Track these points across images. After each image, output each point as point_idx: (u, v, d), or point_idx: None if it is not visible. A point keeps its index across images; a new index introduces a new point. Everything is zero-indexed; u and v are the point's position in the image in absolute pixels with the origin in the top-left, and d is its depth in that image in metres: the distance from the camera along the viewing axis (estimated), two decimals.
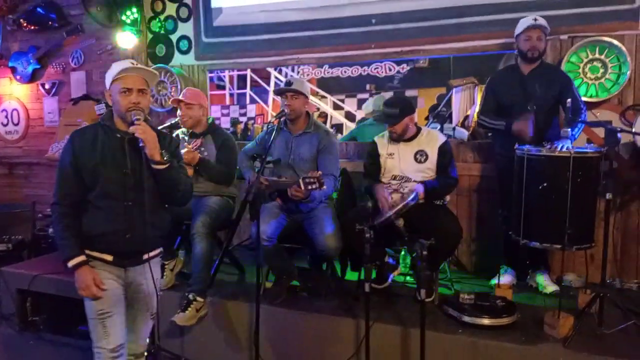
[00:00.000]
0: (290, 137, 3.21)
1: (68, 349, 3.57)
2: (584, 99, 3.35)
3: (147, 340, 2.46)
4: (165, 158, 2.14)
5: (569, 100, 2.83)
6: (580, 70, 3.46)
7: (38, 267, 3.90)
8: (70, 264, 2.12)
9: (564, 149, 2.72)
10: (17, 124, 5.60)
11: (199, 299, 3.05)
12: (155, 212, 2.24)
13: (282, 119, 3.12)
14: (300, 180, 2.79)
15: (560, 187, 2.67)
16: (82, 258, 2.13)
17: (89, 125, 2.34)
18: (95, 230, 2.16)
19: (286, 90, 3.12)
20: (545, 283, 3.28)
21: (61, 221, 2.16)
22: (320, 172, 2.82)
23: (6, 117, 5.64)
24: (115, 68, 2.16)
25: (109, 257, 2.20)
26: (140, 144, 2.07)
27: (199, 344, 3.22)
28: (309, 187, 2.77)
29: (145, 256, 2.27)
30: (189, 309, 2.99)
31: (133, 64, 2.16)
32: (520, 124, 3.07)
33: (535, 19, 3.14)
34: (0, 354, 3.61)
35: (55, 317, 3.75)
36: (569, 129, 2.85)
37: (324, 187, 2.78)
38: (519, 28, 3.21)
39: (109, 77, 2.18)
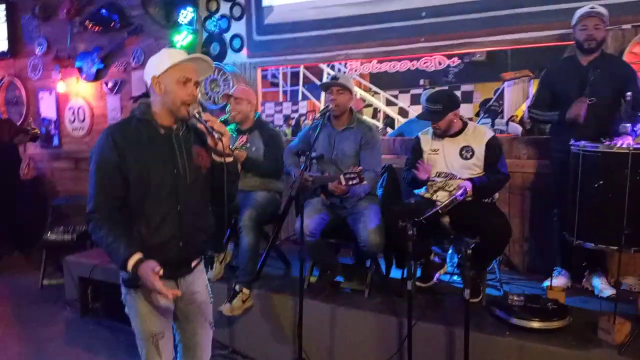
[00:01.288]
0: (333, 132, 3.22)
1: (124, 334, 3.74)
2: None
3: (210, 353, 2.24)
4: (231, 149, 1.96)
5: (628, 93, 2.66)
6: None
7: (99, 257, 4.11)
8: (130, 264, 1.78)
9: (623, 145, 2.56)
10: (83, 121, 5.93)
11: (245, 290, 3.13)
12: (205, 216, 2.06)
13: (326, 115, 3.13)
14: (342, 176, 2.79)
15: (618, 185, 2.51)
16: (139, 255, 1.80)
17: (124, 119, 2.05)
18: (149, 242, 1.89)
19: (332, 85, 3.13)
20: (601, 286, 3.11)
21: (103, 226, 1.85)
22: (361, 167, 2.81)
23: (73, 114, 5.98)
24: (172, 55, 1.92)
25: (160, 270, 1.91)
26: (216, 135, 1.84)
27: (246, 334, 3.31)
28: (350, 183, 2.76)
29: (194, 263, 2.08)
30: (235, 299, 3.07)
31: (186, 53, 1.97)
32: (574, 108, 2.92)
33: (592, 7, 2.97)
34: (65, 337, 3.85)
35: (113, 304, 3.93)
36: (629, 124, 2.68)
37: (365, 182, 2.76)
38: (575, 17, 3.05)
39: (163, 63, 1.90)
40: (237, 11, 4.83)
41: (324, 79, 7.82)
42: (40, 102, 6.18)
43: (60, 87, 5.90)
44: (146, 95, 4.87)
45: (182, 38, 4.87)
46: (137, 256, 1.80)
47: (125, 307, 2.04)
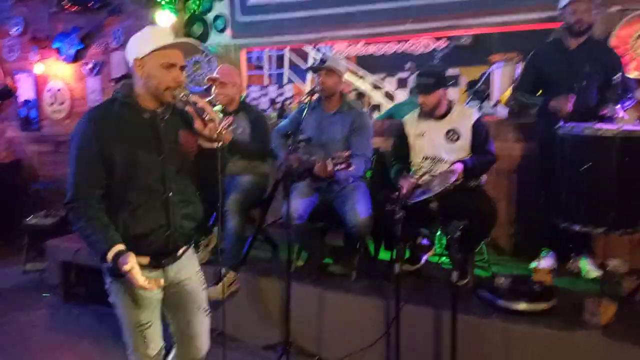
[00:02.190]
0: (324, 115, 3.17)
1: (108, 318, 3.67)
2: (633, 75, 3.15)
3: (209, 342, 2.17)
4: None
5: (618, 75, 2.66)
6: (631, 45, 3.24)
7: (81, 240, 4.02)
8: (110, 256, 1.71)
9: (610, 128, 2.57)
10: (62, 104, 5.79)
11: (230, 274, 3.11)
12: (193, 202, 1.98)
13: (315, 97, 3.08)
14: (329, 160, 2.75)
15: (605, 167, 2.54)
16: (119, 247, 1.73)
17: (105, 102, 1.92)
18: (134, 231, 1.82)
19: (320, 68, 3.08)
20: (588, 268, 3.15)
21: (82, 216, 1.77)
22: (349, 152, 2.76)
23: (52, 96, 5.83)
24: (155, 37, 1.80)
25: (145, 260, 1.85)
26: (207, 118, 1.76)
27: (233, 318, 3.25)
28: (337, 167, 2.72)
29: (180, 251, 1.99)
30: (220, 283, 3.04)
31: (172, 32, 1.90)
32: (558, 102, 2.92)
33: None
34: (47, 322, 3.79)
35: (97, 289, 3.84)
36: (617, 107, 2.68)
37: (352, 167, 2.72)
38: (564, 0, 3.02)
39: (145, 45, 1.79)
40: None
41: (309, 63, 7.75)
42: (18, 84, 6.00)
43: (39, 68, 5.74)
44: (127, 77, 4.71)
45: (163, 18, 4.74)
46: (117, 248, 1.73)
47: (109, 296, 1.97)
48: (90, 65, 5.53)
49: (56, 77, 5.78)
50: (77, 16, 5.46)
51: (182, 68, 1.85)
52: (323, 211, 3.19)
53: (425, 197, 2.76)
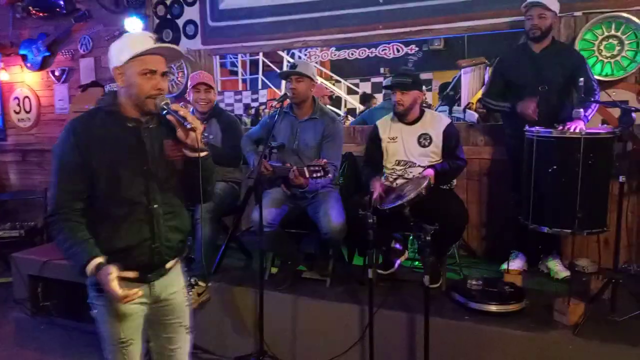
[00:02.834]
0: (296, 122, 3.16)
1: (79, 333, 3.62)
2: (598, 77, 3.23)
3: None
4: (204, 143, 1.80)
5: (581, 79, 2.71)
6: (595, 48, 3.32)
7: (49, 253, 3.93)
8: (90, 268, 1.66)
9: (575, 130, 2.62)
10: (29, 112, 5.64)
11: (200, 283, 3.05)
12: (180, 214, 1.91)
13: (286, 103, 3.07)
14: (305, 168, 2.73)
15: (571, 169, 2.58)
16: (99, 259, 1.68)
17: (88, 112, 1.86)
18: (117, 245, 1.76)
19: (291, 74, 3.07)
20: (557, 268, 3.20)
21: (62, 229, 1.72)
22: (325, 161, 2.75)
23: (18, 104, 5.68)
24: (134, 43, 1.73)
25: (133, 274, 1.78)
26: (188, 126, 1.67)
27: (206, 328, 3.22)
28: (314, 175, 2.71)
29: (168, 265, 1.91)
30: (191, 293, 2.99)
31: (152, 37, 1.77)
32: (525, 105, 2.97)
33: None
34: (13, 338, 3.67)
35: (66, 302, 3.79)
36: (581, 110, 2.74)
37: (329, 175, 2.72)
38: (522, 6, 3.09)
39: (122, 52, 1.74)
40: None
41: (284, 67, 7.74)
42: None
43: (3, 76, 5.59)
44: (96, 84, 4.58)
45: (132, 24, 4.67)
46: (96, 261, 1.67)
47: (92, 310, 1.89)
48: (57, 73, 5.41)
49: (22, 85, 5.64)
50: (44, 22, 5.35)
51: (164, 74, 1.78)
52: (296, 218, 3.17)
53: (399, 202, 2.77)
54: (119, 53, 1.75)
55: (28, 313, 3.89)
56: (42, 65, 5.44)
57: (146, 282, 1.85)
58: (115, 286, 1.64)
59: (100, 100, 1.85)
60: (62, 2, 5.14)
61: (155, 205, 1.81)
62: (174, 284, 1.96)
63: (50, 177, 1.78)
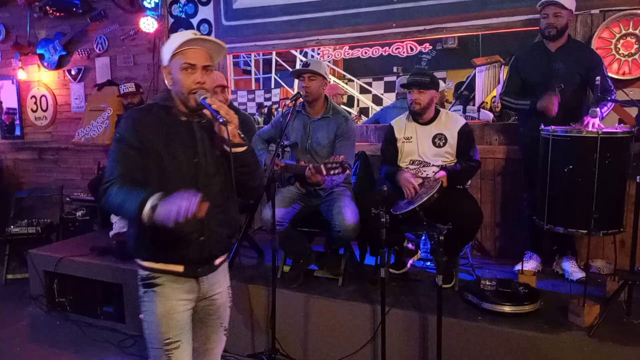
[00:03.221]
0: (309, 120, 3.16)
1: (93, 329, 3.67)
2: (616, 76, 3.19)
3: None
4: (243, 138, 1.79)
5: (597, 78, 2.68)
6: (613, 46, 3.27)
7: (65, 249, 4.00)
8: (145, 210, 1.58)
9: (592, 129, 2.59)
10: (45, 110, 5.72)
11: None
12: (229, 208, 1.88)
13: (299, 102, 3.07)
14: (322, 165, 2.73)
15: (587, 169, 2.55)
16: (157, 199, 1.59)
17: (145, 105, 1.97)
18: (163, 237, 1.72)
19: (303, 72, 3.07)
20: (571, 269, 3.16)
21: (118, 188, 1.70)
22: (343, 157, 2.74)
23: (35, 103, 5.76)
24: (175, 40, 1.78)
25: (180, 268, 1.80)
26: (221, 120, 1.68)
27: None
28: (332, 172, 2.70)
29: (218, 261, 1.91)
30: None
31: (196, 34, 1.80)
32: (545, 101, 2.93)
33: None
34: (29, 333, 3.72)
35: (81, 299, 3.84)
36: (597, 109, 2.70)
37: (348, 171, 2.71)
38: (538, 4, 3.05)
39: (167, 51, 1.80)
40: None
41: (297, 66, 7.75)
42: (0, 92, 5.92)
43: (21, 75, 5.66)
44: (112, 82, 4.63)
45: (147, 24, 4.71)
46: (153, 201, 1.58)
47: (140, 309, 1.87)
48: (73, 72, 5.47)
49: (39, 84, 5.71)
50: (60, 22, 5.41)
51: (206, 68, 1.79)
52: (308, 217, 3.17)
53: (411, 207, 2.76)
54: (164, 53, 1.82)
55: (44, 309, 3.94)
56: (58, 64, 5.51)
57: (195, 276, 1.84)
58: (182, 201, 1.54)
59: (156, 97, 1.90)
60: (78, 2, 5.20)
61: (204, 198, 1.73)
62: (221, 282, 1.96)
63: (107, 160, 1.82)
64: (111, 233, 3.98)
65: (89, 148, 5.34)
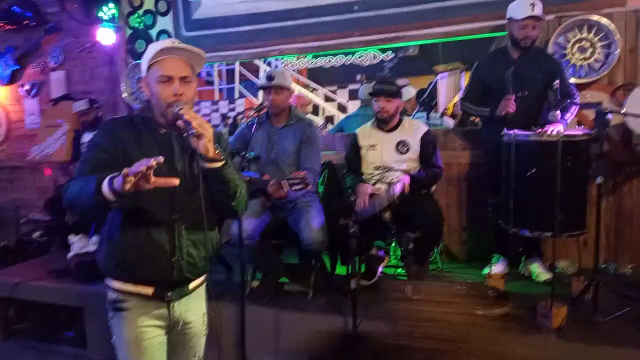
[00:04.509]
0: (273, 130, 3.12)
1: (54, 356, 3.50)
2: (572, 80, 3.27)
3: None
4: (220, 154, 1.67)
5: (556, 82, 2.73)
6: (568, 51, 3.36)
7: (22, 273, 3.81)
8: (104, 184, 1.46)
9: (553, 132, 2.63)
10: None
11: None
12: (204, 228, 1.76)
13: (261, 112, 3.02)
14: (285, 182, 2.69)
15: (550, 172, 2.59)
16: (114, 173, 1.48)
17: (122, 116, 1.88)
18: (132, 255, 1.67)
19: (269, 86, 3.03)
20: (538, 271, 3.20)
21: (80, 178, 1.60)
22: (304, 172, 2.71)
23: None
24: (151, 49, 1.68)
25: (149, 290, 1.72)
26: (192, 133, 1.56)
27: None
28: (294, 188, 2.67)
29: (192, 285, 1.81)
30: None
31: (174, 42, 1.70)
32: (502, 106, 2.98)
33: (533, 5, 2.98)
34: None
35: (40, 324, 3.66)
36: (557, 112, 2.76)
37: (309, 187, 2.68)
38: (516, 14, 3.04)
39: (144, 61, 1.71)
40: (162, 6, 4.60)
41: (261, 76, 7.69)
42: None
43: None
44: (68, 97, 4.45)
45: (104, 36, 4.58)
46: (108, 175, 1.47)
47: (112, 335, 1.79)
48: (27, 87, 5.26)
49: None
50: (12, 35, 5.19)
51: (185, 79, 1.69)
52: (277, 229, 3.12)
53: (372, 212, 2.76)
54: (143, 63, 1.73)
55: (0, 337, 3.73)
56: (11, 80, 5.29)
57: (166, 300, 1.75)
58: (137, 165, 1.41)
59: (137, 109, 1.86)
60: (30, 14, 5.01)
61: (178, 216, 1.71)
62: (195, 309, 1.87)
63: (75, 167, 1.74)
64: (69, 255, 3.81)
65: (45, 166, 5.12)
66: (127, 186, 1.41)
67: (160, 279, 1.72)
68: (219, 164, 1.66)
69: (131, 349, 1.74)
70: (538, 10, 3.01)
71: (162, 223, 1.70)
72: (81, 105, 4.31)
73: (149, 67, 1.70)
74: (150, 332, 1.75)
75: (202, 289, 1.91)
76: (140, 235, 1.69)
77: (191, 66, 1.72)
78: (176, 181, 1.51)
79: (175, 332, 1.83)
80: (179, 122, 1.63)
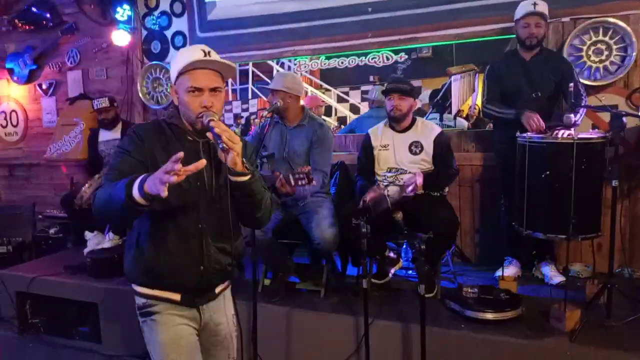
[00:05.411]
0: (285, 129, 3.15)
1: (68, 350, 3.55)
2: (588, 82, 3.25)
3: None
4: (247, 167, 1.66)
5: (570, 84, 2.72)
6: (584, 53, 3.34)
7: (38, 269, 3.87)
8: (134, 187, 1.45)
9: (567, 135, 2.62)
10: (16, 126, 5.57)
11: None
12: (230, 236, 1.80)
13: (273, 112, 3.05)
14: (290, 175, 2.70)
15: (564, 175, 2.58)
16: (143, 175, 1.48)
17: (149, 122, 1.89)
18: (160, 263, 1.69)
19: (275, 90, 3.08)
20: (551, 274, 3.18)
21: (108, 185, 1.58)
22: (309, 168, 2.72)
23: (5, 118, 5.61)
24: (182, 58, 1.67)
25: (177, 297, 1.74)
26: (221, 147, 1.55)
27: None
28: (299, 183, 2.67)
29: (218, 289, 1.86)
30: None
31: (205, 51, 1.67)
32: (530, 120, 2.90)
33: (535, 4, 3.01)
34: (1, 357, 3.58)
35: (55, 319, 3.71)
36: (572, 115, 2.74)
37: (313, 183, 2.67)
38: (518, 13, 3.09)
39: (174, 69, 1.71)
40: (177, 7, 4.66)
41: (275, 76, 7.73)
42: None
43: None
44: (83, 96, 4.48)
45: (119, 37, 4.64)
46: (139, 178, 1.45)
47: (145, 343, 1.79)
48: (45, 86, 5.35)
49: (9, 99, 5.57)
50: (30, 35, 5.29)
51: (215, 90, 1.68)
52: (289, 228, 3.14)
53: (385, 206, 2.77)
54: (172, 69, 1.72)
55: (15, 331, 3.79)
56: (29, 79, 5.39)
57: (192, 306, 1.78)
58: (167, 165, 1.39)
59: (164, 113, 1.84)
60: (48, 15, 5.10)
61: (205, 224, 1.73)
62: (223, 311, 1.89)
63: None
64: (85, 251, 3.87)
65: (61, 163, 5.20)
66: (165, 193, 1.39)
67: (188, 285, 1.75)
68: (245, 178, 1.66)
69: (170, 350, 1.74)
70: (540, 8, 3.00)
71: (190, 232, 1.72)
72: (103, 102, 4.35)
73: (177, 76, 1.69)
74: (186, 329, 1.76)
75: (228, 291, 1.94)
76: (169, 244, 1.70)
77: (221, 76, 1.71)
78: (203, 162, 1.45)
79: (207, 334, 1.85)
80: (209, 134, 1.63)
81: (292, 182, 2.67)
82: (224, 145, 1.55)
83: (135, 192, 1.44)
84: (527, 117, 2.93)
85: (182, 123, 1.75)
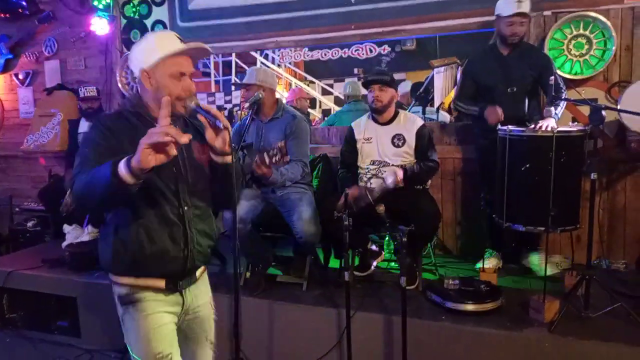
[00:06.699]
0: (261, 124, 3.14)
1: (47, 345, 3.49)
2: (568, 76, 3.28)
3: None
4: (232, 147, 1.69)
5: (551, 78, 2.74)
6: (565, 47, 3.37)
7: (15, 262, 3.80)
8: (120, 166, 1.40)
9: (547, 129, 2.64)
10: None
11: None
12: (209, 218, 1.84)
13: (254, 106, 3.05)
14: (265, 154, 2.62)
15: (544, 167, 2.60)
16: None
17: (113, 112, 1.84)
18: (145, 250, 1.67)
19: (246, 85, 3.09)
20: (539, 262, 3.20)
21: (89, 170, 1.53)
22: (282, 142, 2.68)
23: None
24: (162, 44, 1.65)
25: (161, 283, 1.73)
26: (220, 126, 1.56)
27: None
28: (274, 160, 2.61)
29: (199, 272, 1.87)
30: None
31: (178, 37, 1.68)
32: (491, 114, 2.99)
33: (520, 2, 3.00)
34: None
35: (33, 314, 3.65)
36: (552, 108, 2.76)
37: (287, 158, 2.61)
38: (503, 11, 3.06)
39: (151, 53, 1.65)
40: None
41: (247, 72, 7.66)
42: None
43: None
44: (62, 86, 4.35)
45: (99, 25, 4.55)
46: (124, 158, 1.42)
47: (124, 333, 1.78)
48: (21, 76, 5.23)
49: None
50: (6, 24, 5.17)
51: (192, 75, 1.71)
52: (271, 219, 3.12)
53: (366, 202, 2.77)
54: (146, 55, 1.67)
55: None
56: (4, 69, 5.27)
57: (177, 290, 1.78)
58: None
59: (124, 102, 1.81)
60: (24, 3, 4.97)
61: (185, 208, 1.73)
62: (203, 294, 1.90)
63: (75, 163, 1.63)
64: (64, 244, 3.80)
65: (39, 155, 5.10)
66: (150, 159, 1.36)
67: (174, 270, 1.74)
68: (230, 158, 1.67)
69: (150, 338, 1.72)
70: (525, 7, 3.01)
71: (171, 217, 1.71)
72: (91, 90, 4.24)
73: (157, 62, 1.65)
74: (168, 317, 1.76)
75: (205, 275, 1.95)
76: (152, 232, 1.68)
77: (194, 60, 1.74)
78: (189, 136, 1.41)
79: (188, 317, 1.85)
80: (201, 117, 1.62)
81: (267, 161, 2.61)
82: (223, 124, 1.56)
83: (122, 169, 1.40)
84: (487, 112, 2.99)
85: (147, 111, 1.71)
